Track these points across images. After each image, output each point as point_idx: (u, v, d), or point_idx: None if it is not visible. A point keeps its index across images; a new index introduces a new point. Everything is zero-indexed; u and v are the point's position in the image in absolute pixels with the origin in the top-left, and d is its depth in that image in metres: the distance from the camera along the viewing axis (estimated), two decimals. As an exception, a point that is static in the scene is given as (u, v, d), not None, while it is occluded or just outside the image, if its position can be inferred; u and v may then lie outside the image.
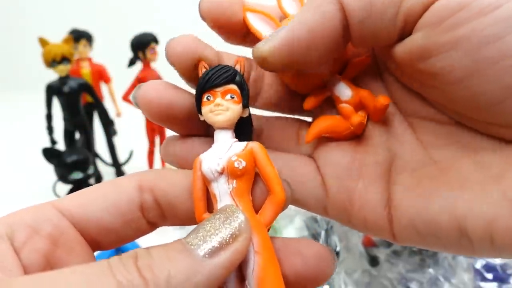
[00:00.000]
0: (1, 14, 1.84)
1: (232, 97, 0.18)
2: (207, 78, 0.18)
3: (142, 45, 0.78)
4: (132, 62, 0.81)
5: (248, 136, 0.20)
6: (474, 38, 0.15)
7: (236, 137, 0.19)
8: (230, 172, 0.17)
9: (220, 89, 0.18)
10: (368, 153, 0.20)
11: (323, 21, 0.17)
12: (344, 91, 0.20)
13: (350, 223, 0.20)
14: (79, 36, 0.89)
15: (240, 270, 0.17)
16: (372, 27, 0.17)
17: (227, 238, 0.15)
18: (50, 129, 0.81)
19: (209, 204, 0.18)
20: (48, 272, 0.13)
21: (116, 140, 0.90)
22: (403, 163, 0.19)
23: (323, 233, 0.52)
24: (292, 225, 0.58)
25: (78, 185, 0.74)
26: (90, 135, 0.84)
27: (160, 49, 0.78)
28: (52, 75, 0.76)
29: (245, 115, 0.19)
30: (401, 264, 0.49)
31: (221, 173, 0.17)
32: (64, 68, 0.74)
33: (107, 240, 0.18)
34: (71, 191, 0.74)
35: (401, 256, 0.50)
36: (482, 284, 0.47)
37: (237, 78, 0.18)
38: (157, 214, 0.19)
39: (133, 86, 0.80)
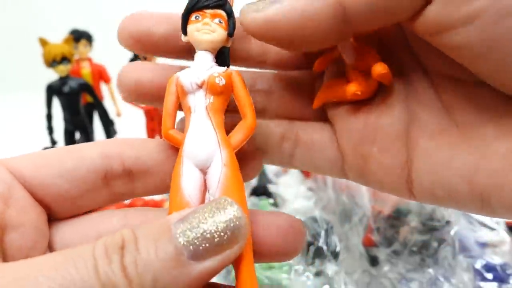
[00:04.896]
0: (1, 14, 1.84)
1: (220, 22, 0.18)
2: None
3: (142, 45, 0.78)
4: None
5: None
6: (492, 9, 0.13)
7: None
8: (210, 87, 0.18)
9: (210, 11, 0.18)
10: (384, 114, 0.19)
11: (319, 9, 0.15)
12: (349, 54, 0.19)
13: (368, 185, 0.20)
14: (79, 36, 0.89)
15: (203, 180, 0.17)
16: (386, 9, 0.15)
17: (221, 242, 0.13)
18: (50, 129, 0.81)
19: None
20: (24, 260, 0.12)
21: (116, 140, 0.89)
22: (423, 124, 0.18)
23: (323, 233, 0.52)
24: (292, 225, 0.58)
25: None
26: (90, 135, 0.84)
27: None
28: (52, 75, 0.76)
29: (228, 44, 0.19)
30: (401, 264, 0.49)
31: (200, 87, 0.18)
32: (64, 68, 0.74)
33: (62, 208, 0.17)
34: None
35: (401, 256, 0.50)
36: (482, 284, 0.47)
37: (227, 5, 0.18)
38: (125, 183, 0.18)
39: (133, 86, 0.80)
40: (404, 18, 0.16)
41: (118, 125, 0.92)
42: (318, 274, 0.50)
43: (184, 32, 0.19)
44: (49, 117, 0.80)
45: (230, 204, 0.14)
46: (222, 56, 0.19)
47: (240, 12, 0.18)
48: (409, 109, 0.19)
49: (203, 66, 0.18)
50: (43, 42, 0.73)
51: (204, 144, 0.17)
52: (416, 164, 0.18)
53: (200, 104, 0.18)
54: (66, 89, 0.76)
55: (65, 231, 0.18)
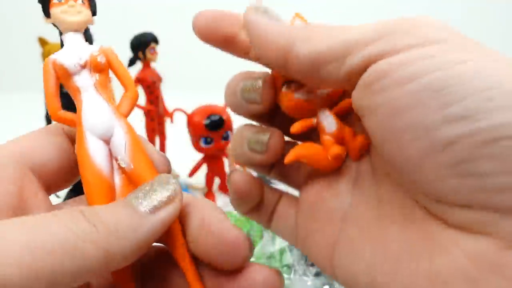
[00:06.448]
0: (0, 14, 1.84)
1: (82, 2, 0.20)
2: None
3: (142, 45, 0.78)
4: (132, 62, 0.80)
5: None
6: (385, 107, 0.15)
7: None
8: (94, 66, 0.19)
9: None
10: (332, 196, 0.21)
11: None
12: (331, 124, 0.21)
13: (309, 259, 0.22)
14: (79, 36, 0.89)
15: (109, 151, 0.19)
16: (320, 73, 0.17)
17: (165, 199, 0.16)
18: (50, 129, 0.81)
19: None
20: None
21: (116, 140, 0.89)
22: (357, 213, 0.19)
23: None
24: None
25: (78, 185, 0.74)
26: (90, 135, 0.84)
27: (160, 49, 0.78)
28: (52, 75, 0.76)
29: (93, 23, 0.21)
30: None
31: (83, 67, 0.19)
32: (64, 68, 0.74)
33: (55, 183, 0.19)
34: (71, 191, 0.74)
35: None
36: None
37: None
38: None
39: (133, 86, 0.80)
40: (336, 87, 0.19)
41: (118, 125, 0.92)
42: (318, 274, 0.50)
43: (47, 14, 0.20)
44: (48, 117, 0.80)
45: (169, 178, 0.17)
46: (87, 34, 0.21)
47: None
48: (353, 197, 0.20)
49: (78, 47, 0.20)
50: (43, 42, 0.73)
51: (102, 116, 0.19)
52: (339, 249, 0.19)
53: (88, 83, 0.19)
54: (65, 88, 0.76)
55: None
